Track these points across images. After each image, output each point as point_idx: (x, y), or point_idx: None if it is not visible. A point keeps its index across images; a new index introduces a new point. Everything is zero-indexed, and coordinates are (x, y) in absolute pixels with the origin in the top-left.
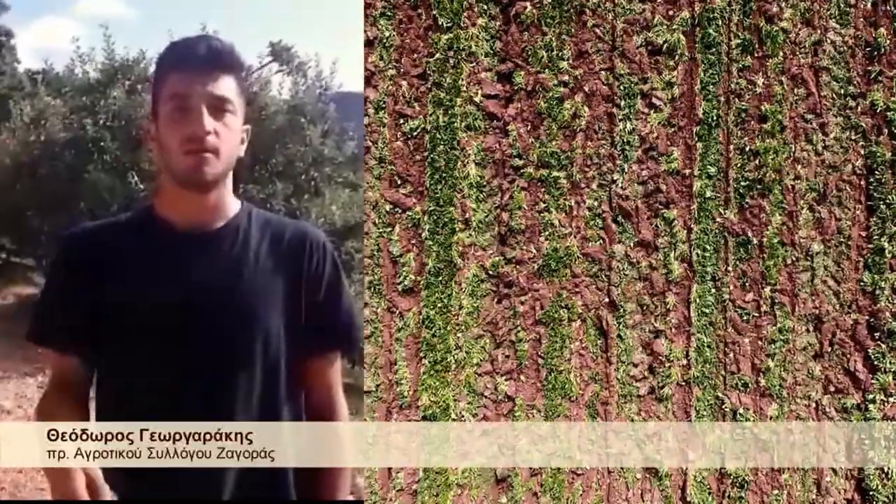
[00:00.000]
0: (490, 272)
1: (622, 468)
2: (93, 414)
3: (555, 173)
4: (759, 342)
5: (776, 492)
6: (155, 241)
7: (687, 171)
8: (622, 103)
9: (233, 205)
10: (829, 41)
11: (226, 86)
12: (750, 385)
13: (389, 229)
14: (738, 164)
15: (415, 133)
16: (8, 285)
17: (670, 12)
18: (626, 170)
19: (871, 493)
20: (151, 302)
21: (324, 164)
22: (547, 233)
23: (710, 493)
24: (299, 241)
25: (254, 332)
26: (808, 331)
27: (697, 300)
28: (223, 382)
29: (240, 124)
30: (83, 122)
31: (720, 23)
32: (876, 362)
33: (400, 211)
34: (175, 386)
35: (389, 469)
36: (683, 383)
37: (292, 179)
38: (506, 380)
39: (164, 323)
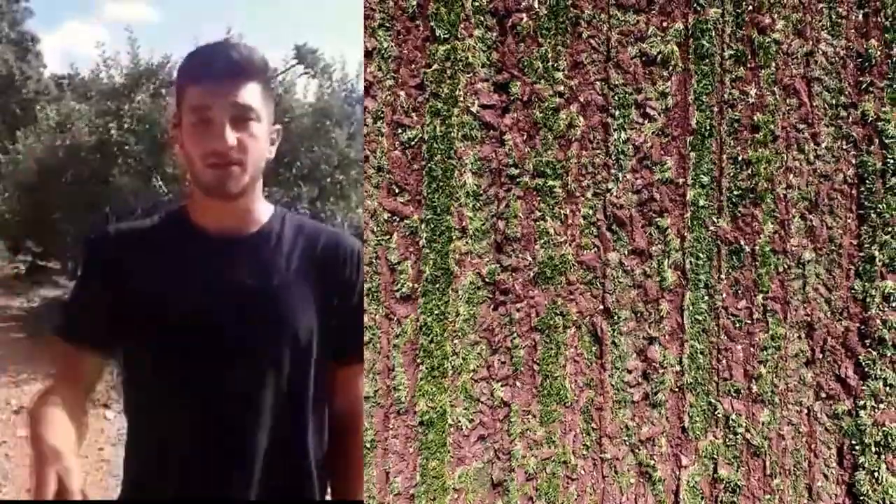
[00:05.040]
0: (486, 280)
1: (616, 473)
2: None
3: (550, 182)
4: (752, 349)
5: (768, 496)
6: (188, 245)
7: (680, 180)
8: (617, 113)
9: (265, 209)
10: (820, 52)
11: (249, 94)
12: (742, 391)
13: (387, 237)
14: (731, 174)
15: (412, 142)
16: (34, 287)
17: (664, 24)
18: (620, 179)
19: (861, 497)
20: (182, 303)
21: (350, 167)
22: (542, 241)
23: (702, 498)
24: (333, 248)
25: (283, 339)
26: (799, 338)
27: (691, 307)
28: (252, 387)
29: (266, 129)
30: (108, 126)
31: (713, 34)
32: (866, 369)
33: (398, 219)
34: (204, 389)
35: (387, 473)
36: (677, 389)
37: (317, 182)
38: (502, 385)
39: (193, 327)
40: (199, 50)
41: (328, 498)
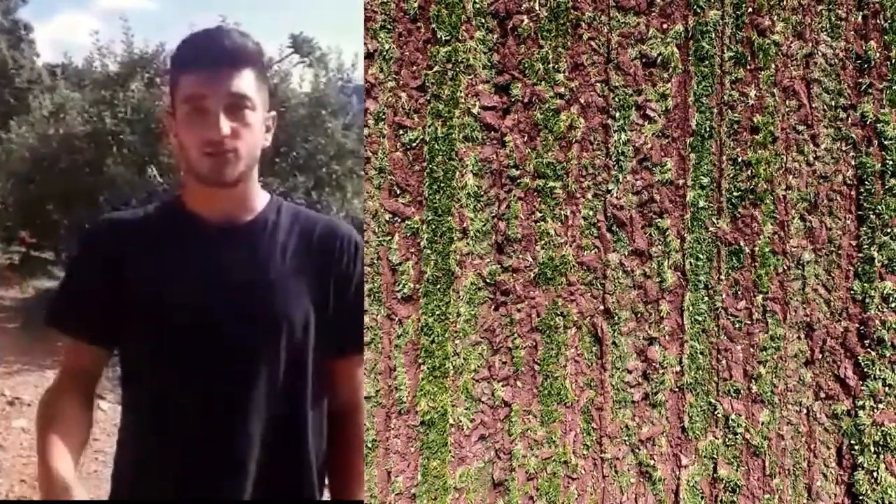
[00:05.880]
0: (487, 280)
1: (617, 472)
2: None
3: (551, 183)
4: (751, 349)
5: (767, 496)
6: (184, 234)
7: (680, 182)
8: (617, 115)
9: (261, 197)
10: (820, 54)
11: (242, 82)
12: (742, 391)
13: (389, 238)
14: (731, 175)
15: (414, 144)
16: (27, 278)
17: (664, 25)
18: (620, 180)
19: (860, 497)
20: (178, 293)
21: (345, 158)
22: (543, 242)
23: (702, 498)
24: (329, 237)
25: (280, 330)
26: (799, 338)
27: (690, 308)
28: (248, 377)
29: (261, 117)
30: (102, 115)
31: (713, 36)
32: (865, 369)
33: (399, 220)
34: (200, 379)
35: (389, 472)
36: (677, 389)
37: (313, 172)
38: (503, 386)
39: (190, 315)
40: (192, 37)
41: (327, 497)
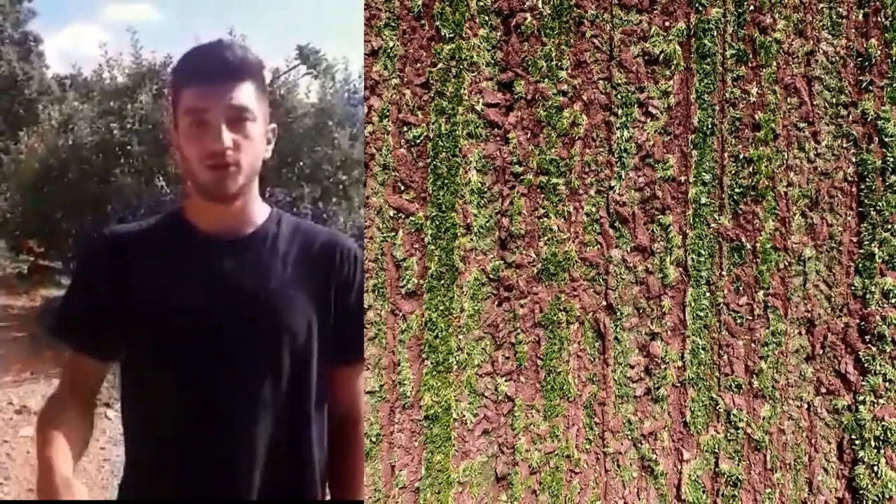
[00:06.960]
0: (491, 276)
1: (619, 467)
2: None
3: (554, 180)
4: (753, 345)
5: (769, 490)
6: (184, 247)
7: (682, 178)
8: (619, 112)
9: (261, 210)
10: (821, 51)
11: (243, 94)
12: (743, 386)
13: (393, 234)
14: (733, 171)
15: (418, 140)
16: (36, 287)
17: (666, 23)
18: (623, 176)
19: (861, 491)
20: (180, 301)
21: (352, 168)
22: (546, 238)
23: (704, 492)
24: (329, 249)
25: (282, 340)
26: (800, 334)
27: (692, 304)
28: (251, 389)
29: (262, 129)
30: (110, 126)
31: (715, 33)
32: (866, 364)
33: (403, 216)
34: (202, 391)
35: (393, 467)
36: (679, 385)
37: (320, 183)
38: (506, 380)
39: (192, 328)
40: (193, 51)
41: (328, 498)
